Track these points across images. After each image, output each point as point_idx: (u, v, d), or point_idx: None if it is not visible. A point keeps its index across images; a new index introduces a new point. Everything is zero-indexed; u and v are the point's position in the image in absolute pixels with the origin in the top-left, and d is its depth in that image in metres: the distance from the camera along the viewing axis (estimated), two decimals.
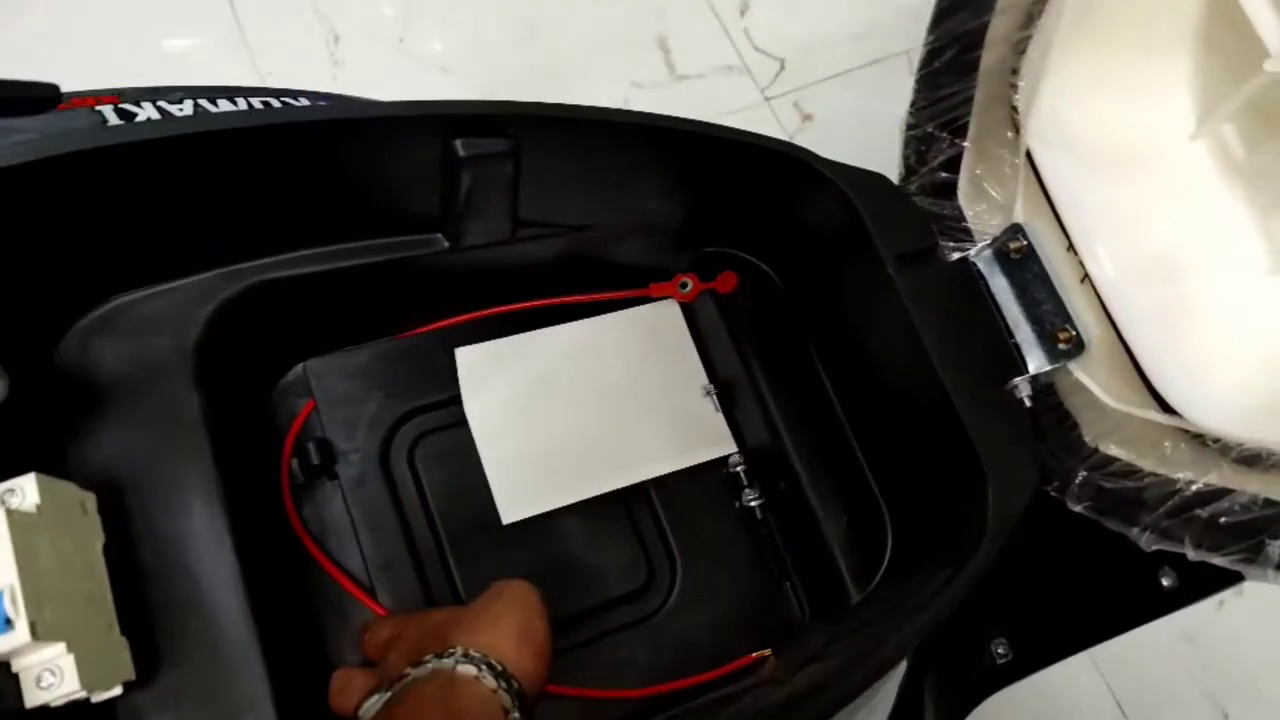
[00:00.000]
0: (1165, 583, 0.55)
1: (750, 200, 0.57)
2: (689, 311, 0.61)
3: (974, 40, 0.48)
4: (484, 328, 0.58)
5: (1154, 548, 0.48)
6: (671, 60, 1.39)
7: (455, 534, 0.54)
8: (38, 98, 0.40)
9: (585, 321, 0.60)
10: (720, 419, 0.61)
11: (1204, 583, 0.54)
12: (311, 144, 0.45)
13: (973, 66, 0.48)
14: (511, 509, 0.55)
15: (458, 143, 0.47)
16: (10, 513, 0.34)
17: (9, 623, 0.33)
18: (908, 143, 0.51)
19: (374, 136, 0.46)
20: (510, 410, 0.57)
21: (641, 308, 0.61)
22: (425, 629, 0.44)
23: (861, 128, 1.36)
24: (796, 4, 1.45)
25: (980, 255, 0.52)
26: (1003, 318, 0.52)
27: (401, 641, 0.44)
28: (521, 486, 0.56)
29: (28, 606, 0.33)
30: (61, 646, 0.35)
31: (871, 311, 0.53)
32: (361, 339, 0.56)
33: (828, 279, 0.56)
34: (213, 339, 0.48)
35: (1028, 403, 0.50)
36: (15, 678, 0.35)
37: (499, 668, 0.40)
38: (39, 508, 0.36)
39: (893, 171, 0.59)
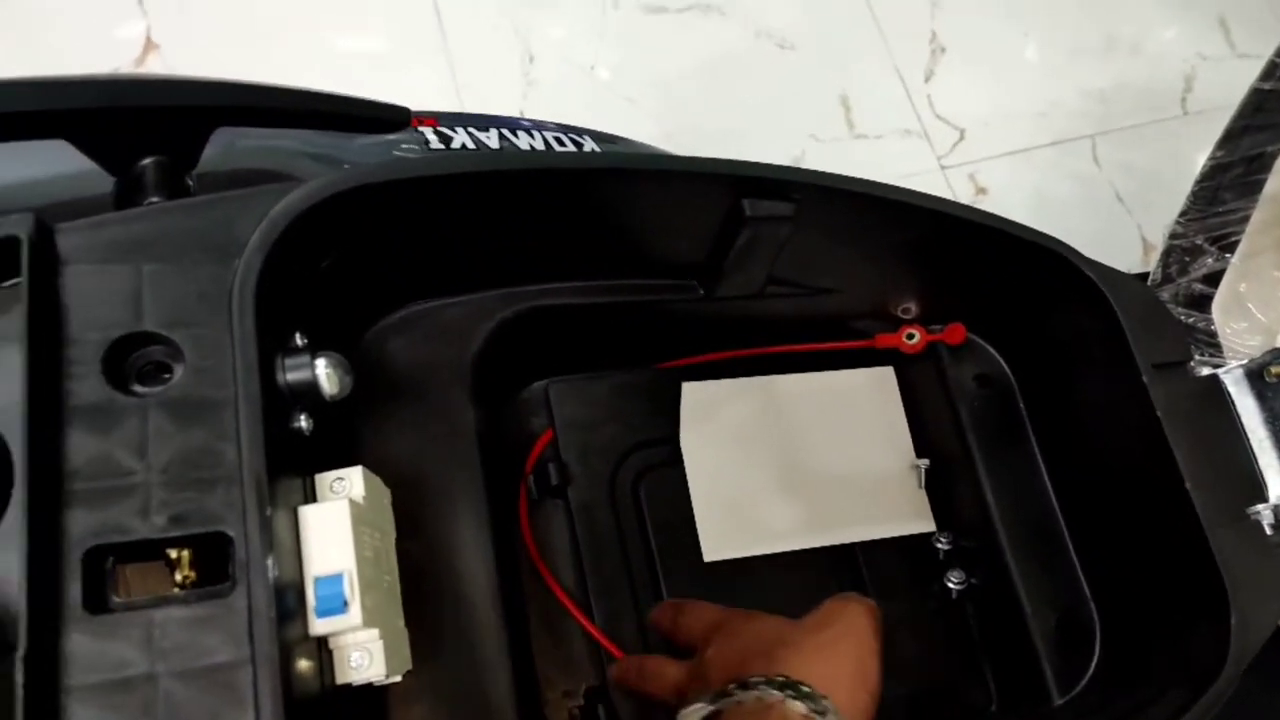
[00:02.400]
0: None
1: (994, 284, 0.57)
2: (911, 365, 0.62)
3: (1264, 163, 0.48)
4: (714, 369, 0.60)
5: None
6: (851, 118, 1.40)
7: (667, 565, 0.56)
8: (393, 119, 0.43)
9: (806, 376, 0.62)
10: (923, 496, 0.61)
11: None
12: (607, 187, 0.47)
13: (1257, 188, 0.48)
14: (714, 548, 0.57)
15: (745, 202, 0.49)
16: (352, 502, 0.37)
17: (346, 605, 0.36)
18: (1170, 250, 0.51)
19: (668, 186, 0.48)
20: (724, 450, 0.59)
21: (860, 371, 0.63)
22: (752, 637, 0.43)
23: (1036, 207, 1.35)
24: (981, 76, 1.46)
25: (1230, 373, 0.52)
26: (1248, 440, 0.51)
27: (724, 640, 0.44)
28: (726, 527, 0.57)
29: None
30: (375, 632, 0.37)
31: (1114, 416, 0.53)
32: (602, 368, 0.58)
33: (1065, 374, 0.57)
34: (489, 353, 0.50)
35: (1268, 530, 0.50)
36: (329, 654, 0.37)
37: (829, 712, 0.38)
38: (364, 499, 0.39)
39: None
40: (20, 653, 0.29)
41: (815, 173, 0.48)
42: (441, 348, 0.50)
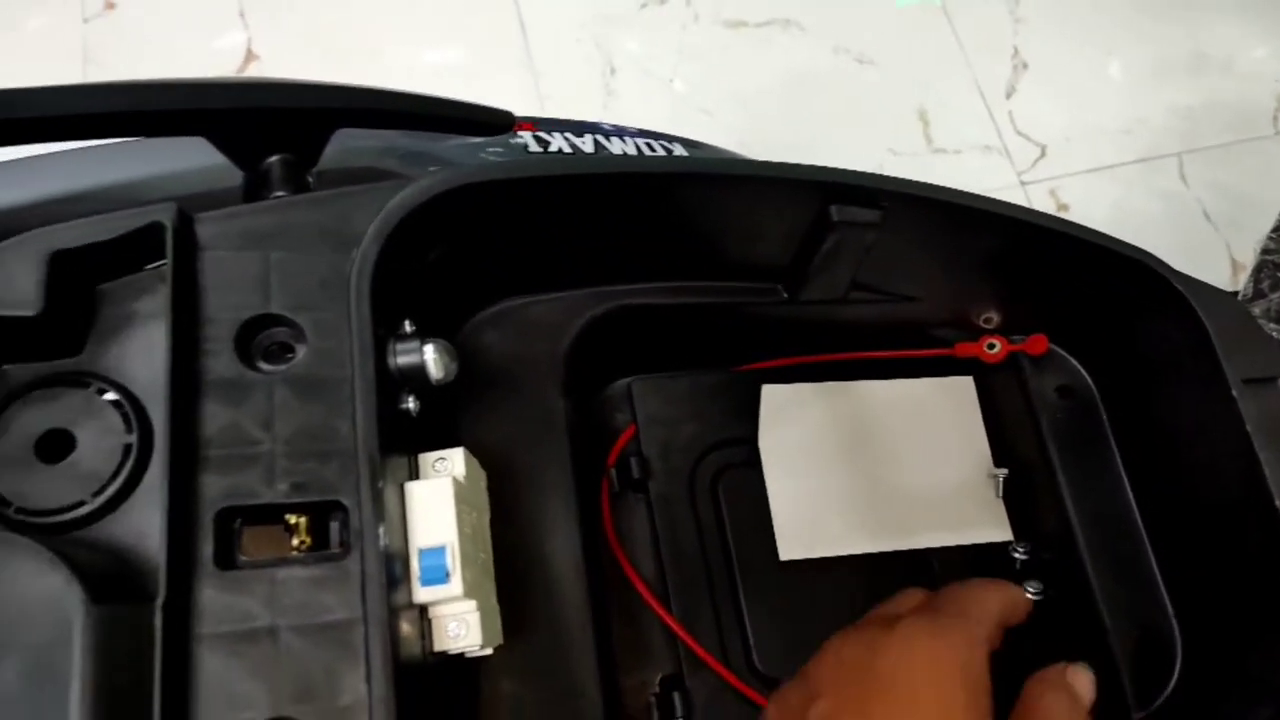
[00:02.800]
0: None
1: (1079, 296, 0.58)
2: (991, 375, 0.62)
3: None
4: (793, 373, 0.61)
5: None
6: (930, 132, 1.40)
7: (744, 562, 0.56)
8: (498, 123, 0.45)
9: (885, 382, 0.62)
10: (1000, 505, 0.62)
11: None
12: (698, 191, 0.49)
13: None
14: (790, 547, 0.57)
15: (832, 208, 0.50)
16: (455, 480, 0.39)
17: (447, 576, 0.38)
18: (1261, 266, 0.51)
19: (757, 191, 0.50)
20: (801, 452, 0.60)
21: (940, 380, 0.63)
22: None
23: (1119, 224, 1.33)
24: (1064, 92, 1.44)
25: None
26: None
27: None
28: (802, 527, 0.58)
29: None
30: (473, 604, 0.39)
31: (1201, 431, 0.53)
32: (684, 368, 0.60)
33: (1150, 387, 0.56)
34: (579, 349, 0.52)
35: None
36: (429, 623, 0.39)
37: None
38: (464, 478, 0.41)
39: None
40: (159, 601, 0.31)
41: (903, 180, 0.49)
42: (535, 342, 0.52)
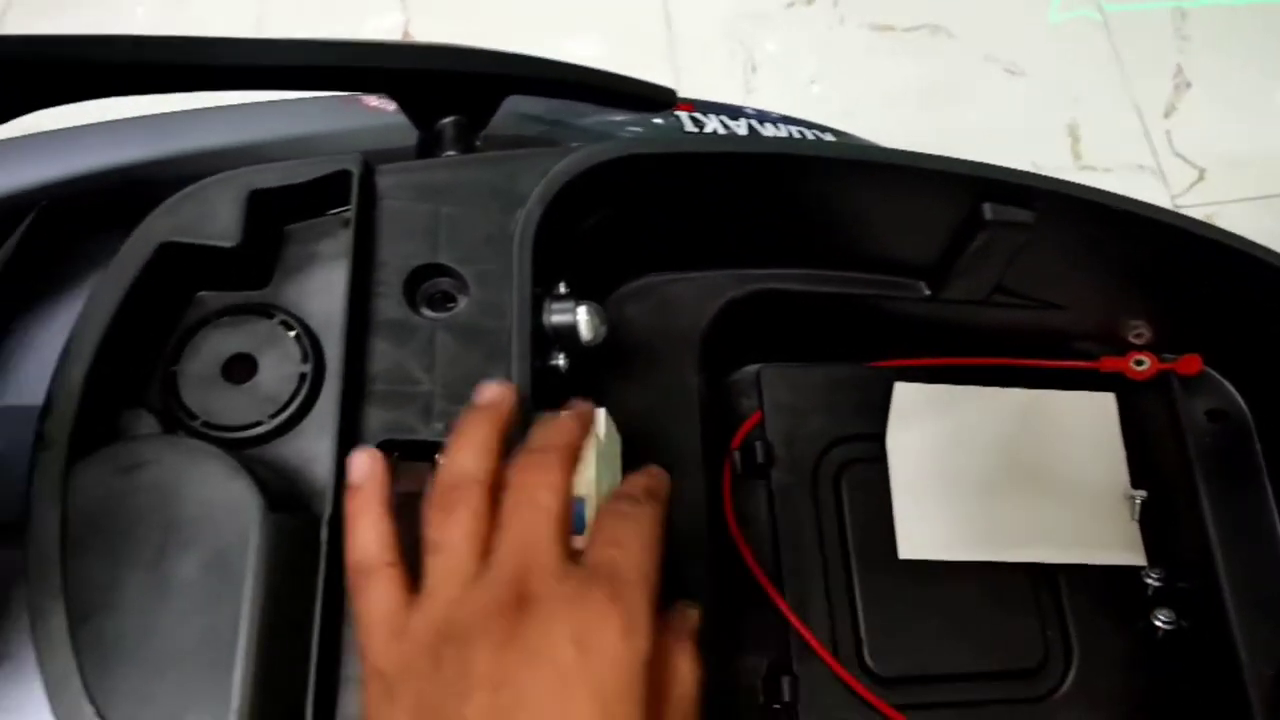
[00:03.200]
0: None
1: (1240, 316, 0.55)
2: (1136, 393, 0.60)
3: None
4: (927, 373, 0.60)
5: None
6: (1079, 149, 1.35)
7: (861, 557, 0.56)
8: (661, 99, 0.47)
9: (1022, 391, 0.61)
10: (1135, 528, 0.59)
11: None
12: (852, 177, 0.49)
13: None
14: (910, 546, 0.57)
15: (986, 206, 0.49)
16: (597, 438, 0.40)
17: (585, 527, 0.39)
18: None
19: (911, 182, 0.49)
20: (930, 454, 0.59)
21: (1081, 395, 0.61)
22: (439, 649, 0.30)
23: None
24: (1228, 115, 1.37)
25: None
26: None
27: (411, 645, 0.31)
28: (925, 528, 0.57)
29: None
30: None
31: None
32: (815, 359, 0.59)
33: None
34: (716, 328, 0.53)
35: None
36: None
37: None
38: (605, 438, 0.42)
39: None
40: (326, 517, 0.34)
41: (1061, 181, 0.48)
42: (674, 318, 0.53)
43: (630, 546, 0.32)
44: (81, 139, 0.46)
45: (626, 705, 0.28)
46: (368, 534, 0.32)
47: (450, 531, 0.31)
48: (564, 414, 0.36)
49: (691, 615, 0.35)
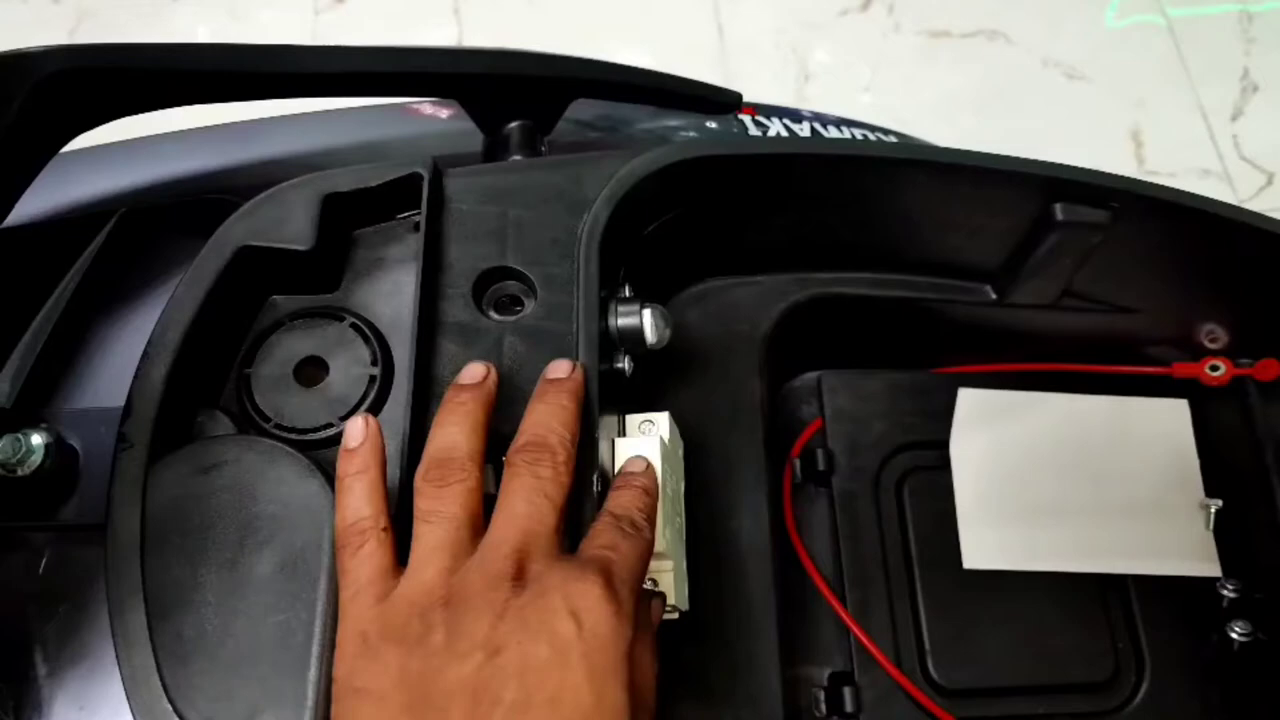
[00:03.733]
0: None
1: None
2: (1210, 399, 0.58)
3: None
4: (993, 379, 0.59)
5: None
6: (1143, 153, 1.33)
7: (925, 566, 0.55)
8: (727, 102, 0.46)
9: (1092, 398, 0.59)
10: (1210, 538, 0.58)
11: None
12: (920, 179, 0.48)
13: None
14: (975, 555, 0.55)
15: (1057, 206, 0.48)
16: (662, 440, 0.40)
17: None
18: None
19: (977, 183, 0.49)
20: (995, 461, 0.57)
21: (1153, 401, 0.60)
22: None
23: None
24: None
25: None
26: None
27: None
28: (990, 537, 0.56)
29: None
30: (670, 563, 0.40)
31: None
32: (877, 364, 0.59)
33: None
34: (778, 333, 0.53)
35: None
36: None
37: None
38: (668, 441, 0.42)
39: None
40: (391, 513, 0.34)
41: (1138, 181, 0.47)
42: (736, 323, 0.52)
43: (625, 556, 0.33)
44: (156, 147, 0.48)
45: (614, 683, 0.30)
46: (362, 496, 0.33)
47: (447, 503, 0.32)
48: (554, 380, 0.37)
49: (656, 609, 0.38)
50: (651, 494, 0.38)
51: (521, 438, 0.35)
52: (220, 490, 0.32)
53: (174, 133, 0.49)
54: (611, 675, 0.30)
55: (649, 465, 0.39)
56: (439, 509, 0.32)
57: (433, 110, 0.55)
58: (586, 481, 0.36)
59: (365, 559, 0.31)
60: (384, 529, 0.32)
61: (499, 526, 0.32)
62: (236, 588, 0.31)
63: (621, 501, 0.36)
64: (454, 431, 0.34)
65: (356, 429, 0.34)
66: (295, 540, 0.31)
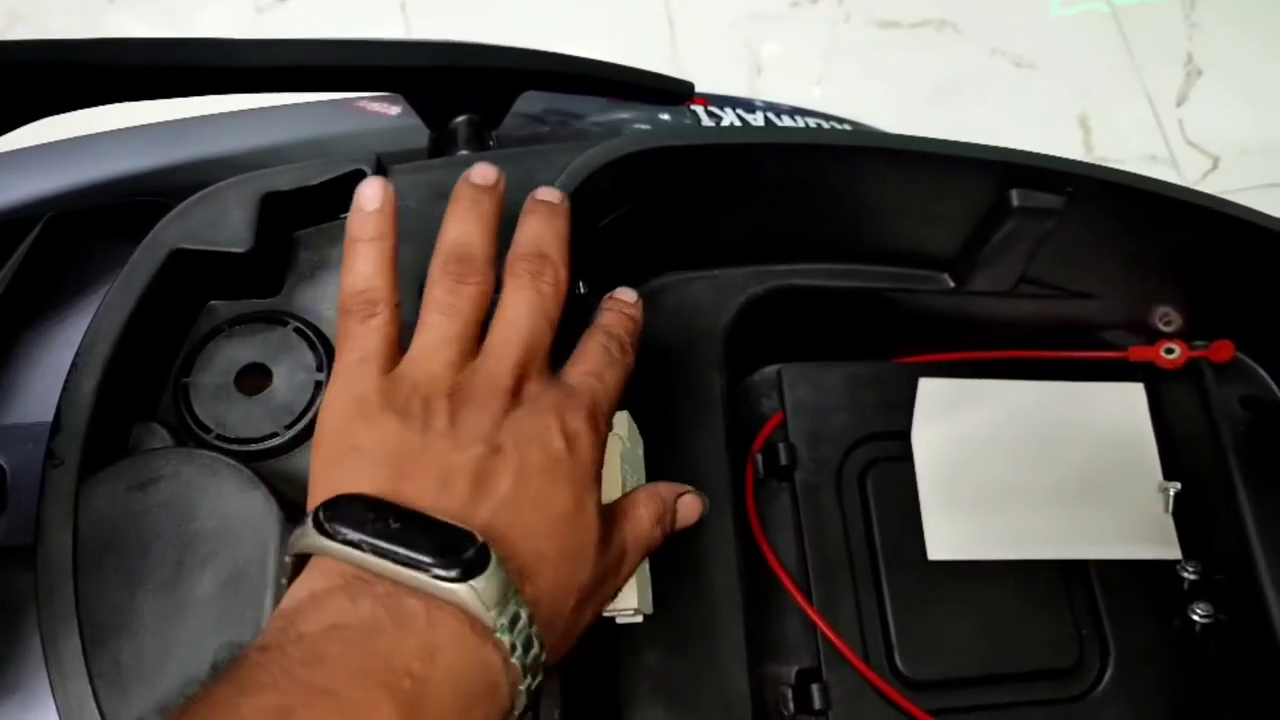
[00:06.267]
0: None
1: (1273, 300, 0.54)
2: (1166, 382, 0.59)
3: None
4: (951, 368, 0.58)
5: None
6: (1090, 140, 1.34)
7: (889, 558, 0.54)
8: (678, 92, 0.45)
9: (1049, 384, 0.59)
10: (1169, 521, 0.58)
11: None
12: (877, 167, 0.48)
13: None
14: (940, 546, 0.55)
15: (1013, 192, 0.48)
16: (620, 438, 0.39)
17: None
18: None
19: (934, 170, 0.48)
20: (957, 451, 0.57)
21: (1109, 385, 0.60)
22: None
23: None
24: (1242, 102, 1.36)
25: None
26: None
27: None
28: (954, 527, 0.56)
29: None
30: None
31: None
32: (838, 356, 0.58)
33: None
34: (737, 328, 0.52)
35: None
36: None
37: (520, 617, 0.27)
38: (627, 440, 0.41)
39: None
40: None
41: (1093, 165, 0.47)
42: (694, 317, 0.51)
43: (608, 384, 0.36)
44: (87, 148, 0.45)
45: (590, 499, 0.32)
46: (375, 264, 0.33)
47: (463, 300, 0.33)
48: (544, 199, 0.37)
49: (690, 507, 0.42)
50: (638, 321, 0.40)
51: (522, 247, 0.35)
52: (157, 506, 0.30)
53: (106, 132, 0.46)
54: (588, 492, 0.32)
55: (639, 298, 0.40)
56: (455, 303, 0.32)
57: (381, 106, 0.53)
58: None
59: (376, 328, 0.32)
60: (396, 304, 0.33)
61: (502, 337, 0.33)
62: (176, 609, 0.29)
63: (610, 321, 0.38)
64: (471, 229, 0.34)
65: (373, 190, 0.33)
66: (237, 556, 0.30)
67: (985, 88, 1.40)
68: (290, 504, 0.31)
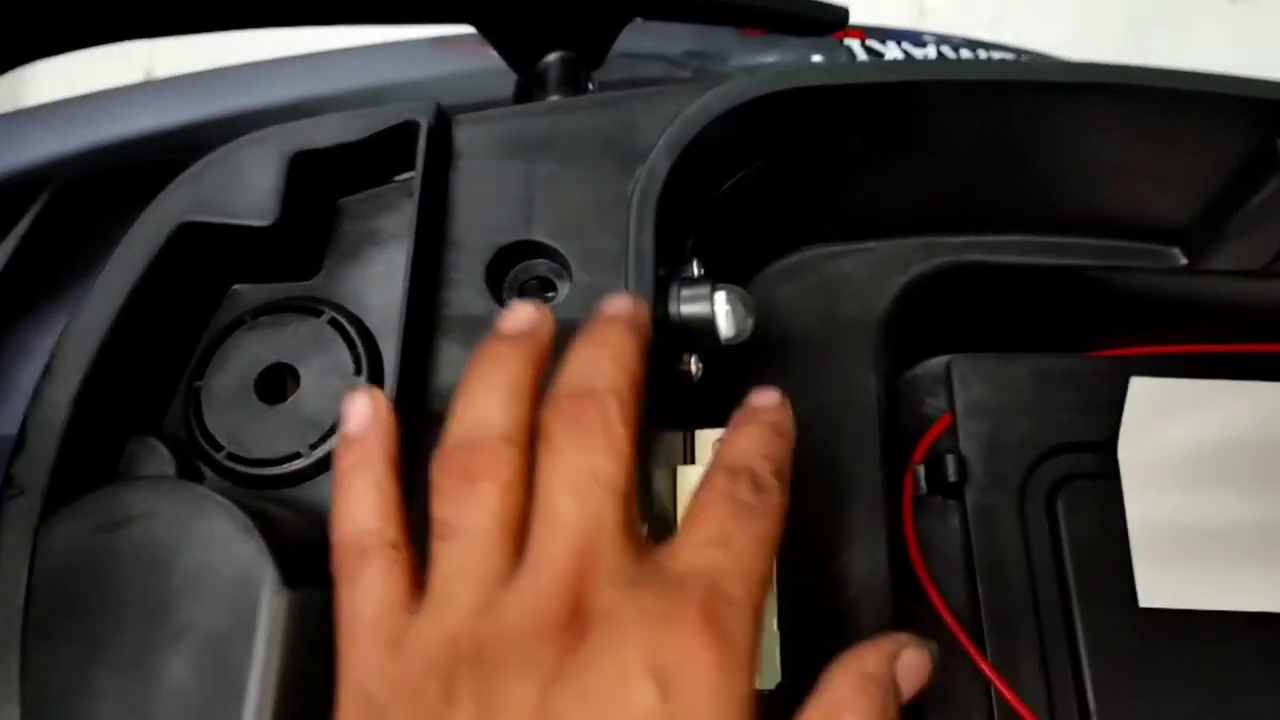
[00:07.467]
0: None
1: None
2: None
3: None
4: (1177, 364, 0.49)
5: None
6: None
7: (1086, 603, 0.46)
8: (828, 20, 0.36)
9: None
10: None
11: None
12: (1073, 111, 0.39)
13: None
14: (1154, 591, 0.46)
15: None
16: None
17: None
18: None
19: (1163, 114, 0.39)
20: (1178, 469, 0.48)
21: None
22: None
23: None
24: None
25: None
26: None
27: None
28: (1173, 567, 0.47)
29: None
30: None
31: None
32: (1021, 347, 0.50)
33: None
34: (897, 314, 0.45)
35: None
36: None
37: None
38: None
39: None
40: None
41: None
42: (843, 302, 0.44)
43: (743, 550, 0.24)
44: (110, 103, 0.40)
45: None
46: (365, 501, 0.24)
47: (470, 510, 0.23)
48: (608, 316, 0.27)
49: (916, 668, 0.28)
50: (785, 437, 0.28)
51: (558, 390, 0.25)
52: (126, 555, 0.24)
53: (134, 85, 0.41)
54: None
55: (782, 400, 0.29)
56: (462, 519, 0.23)
57: (474, 47, 0.46)
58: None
59: (368, 588, 0.23)
60: (393, 544, 0.24)
61: (541, 541, 0.23)
62: (139, 698, 0.23)
63: (741, 449, 0.27)
64: (486, 401, 0.25)
65: (359, 409, 0.25)
66: (218, 627, 0.23)
67: (1192, 24, 1.23)
68: (295, 553, 0.25)
